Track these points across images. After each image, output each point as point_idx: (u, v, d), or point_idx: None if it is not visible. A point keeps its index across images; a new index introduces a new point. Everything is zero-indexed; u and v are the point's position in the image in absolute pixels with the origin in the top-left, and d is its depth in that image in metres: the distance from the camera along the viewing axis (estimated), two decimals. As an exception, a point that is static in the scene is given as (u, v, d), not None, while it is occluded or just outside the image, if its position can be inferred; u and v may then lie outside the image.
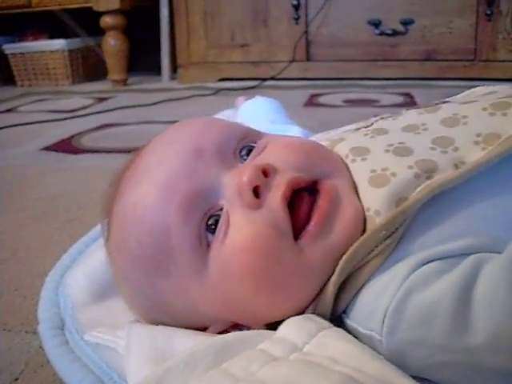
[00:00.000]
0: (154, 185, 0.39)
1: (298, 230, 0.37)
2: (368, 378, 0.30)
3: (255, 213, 0.37)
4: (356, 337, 0.37)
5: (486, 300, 0.32)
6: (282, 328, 0.36)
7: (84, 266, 0.54)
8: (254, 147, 0.42)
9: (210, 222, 0.38)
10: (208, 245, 0.38)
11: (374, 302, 0.35)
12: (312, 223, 0.37)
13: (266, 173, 0.38)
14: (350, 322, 0.37)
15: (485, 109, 0.42)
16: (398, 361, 0.34)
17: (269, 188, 0.38)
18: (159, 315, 0.42)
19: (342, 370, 0.30)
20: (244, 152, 0.42)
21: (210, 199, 0.38)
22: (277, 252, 0.36)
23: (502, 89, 0.48)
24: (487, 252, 0.35)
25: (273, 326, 0.37)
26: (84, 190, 0.98)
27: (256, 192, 0.37)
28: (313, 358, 0.32)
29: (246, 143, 0.42)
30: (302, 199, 0.38)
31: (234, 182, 0.38)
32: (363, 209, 0.38)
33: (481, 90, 0.51)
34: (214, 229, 0.38)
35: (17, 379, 0.47)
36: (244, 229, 0.37)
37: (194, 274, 0.38)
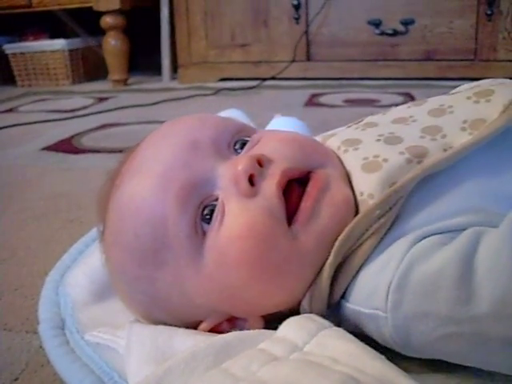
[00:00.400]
0: (151, 176, 0.39)
1: (290, 217, 0.38)
2: (368, 377, 0.30)
3: (250, 201, 0.38)
4: (358, 319, 0.37)
5: (488, 266, 0.32)
6: (282, 328, 0.36)
7: (84, 266, 0.54)
8: (248, 141, 0.43)
9: (205, 212, 0.39)
10: (204, 234, 0.38)
11: (374, 280, 0.36)
12: (301, 208, 0.38)
13: (260, 163, 0.38)
14: (350, 305, 0.37)
15: (469, 97, 0.43)
16: (403, 339, 0.34)
17: (263, 177, 0.38)
18: (156, 311, 0.42)
19: (343, 370, 0.30)
20: (238, 145, 0.42)
21: (205, 190, 0.39)
22: (272, 238, 0.37)
23: (484, 82, 0.49)
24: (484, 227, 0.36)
25: (273, 325, 0.37)
26: (84, 190, 0.98)
27: (251, 181, 0.38)
28: (313, 358, 0.32)
29: (240, 137, 0.43)
30: (293, 188, 0.39)
31: (229, 172, 0.39)
32: (355, 195, 0.39)
33: (466, 86, 0.52)
34: (209, 219, 0.38)
35: (17, 379, 0.47)
36: (239, 216, 0.37)
37: (190, 263, 0.38)
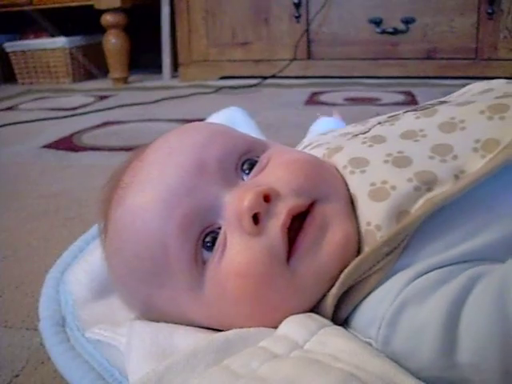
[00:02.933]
0: (154, 200, 0.38)
1: (288, 251, 0.37)
2: (368, 375, 0.30)
3: (253, 239, 0.37)
4: None
5: (471, 322, 0.32)
6: (282, 326, 0.36)
7: (85, 263, 0.54)
8: (256, 161, 0.41)
9: (207, 239, 0.38)
10: (204, 263, 0.38)
11: (373, 310, 0.36)
12: (298, 243, 0.37)
13: (267, 198, 0.37)
14: (350, 330, 0.37)
15: (482, 112, 0.41)
16: None
17: (269, 215, 0.37)
18: (154, 317, 0.42)
19: (343, 367, 0.30)
20: (246, 166, 0.41)
21: (208, 217, 0.38)
22: (271, 278, 0.36)
23: (498, 85, 0.47)
24: (486, 259, 0.35)
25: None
26: (85, 188, 0.98)
27: (255, 218, 0.37)
28: (313, 356, 0.32)
29: (248, 157, 0.42)
30: (293, 223, 0.38)
31: (234, 204, 0.38)
32: (359, 223, 0.39)
33: (477, 87, 0.50)
34: (210, 246, 0.38)
35: (17, 376, 0.47)
36: (240, 254, 0.37)
37: (188, 290, 0.38)
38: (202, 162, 0.39)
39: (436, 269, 0.35)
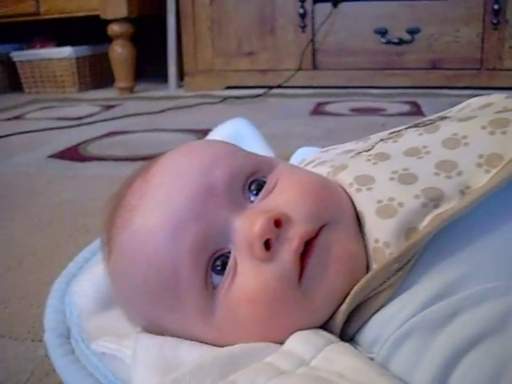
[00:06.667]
0: (163, 225, 0.38)
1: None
2: (375, 392, 0.30)
3: (265, 264, 0.37)
4: None
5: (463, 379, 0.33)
6: (289, 342, 0.35)
7: (90, 275, 0.54)
8: (264, 182, 0.41)
9: (217, 263, 0.38)
10: (214, 287, 0.38)
11: (379, 330, 0.36)
12: (305, 268, 0.37)
13: (278, 223, 0.37)
14: (355, 345, 0.37)
15: (484, 127, 0.41)
16: None
17: (281, 241, 0.37)
18: (160, 333, 0.42)
19: (350, 386, 0.30)
20: (254, 187, 0.41)
21: (218, 242, 0.38)
22: (283, 302, 0.36)
23: (497, 100, 0.48)
24: (492, 277, 0.35)
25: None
26: (91, 198, 0.98)
27: (267, 244, 0.37)
28: (320, 373, 0.32)
29: (255, 178, 0.41)
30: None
31: (244, 229, 0.38)
32: (366, 240, 0.39)
33: (476, 102, 0.50)
34: (220, 270, 0.38)
35: (22, 388, 0.47)
36: (252, 279, 0.37)
37: (199, 314, 0.38)
38: (209, 186, 0.39)
39: (445, 295, 0.35)
